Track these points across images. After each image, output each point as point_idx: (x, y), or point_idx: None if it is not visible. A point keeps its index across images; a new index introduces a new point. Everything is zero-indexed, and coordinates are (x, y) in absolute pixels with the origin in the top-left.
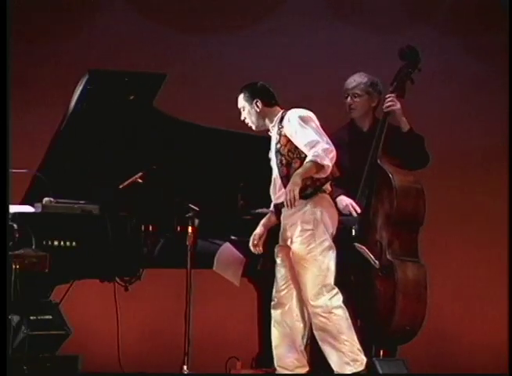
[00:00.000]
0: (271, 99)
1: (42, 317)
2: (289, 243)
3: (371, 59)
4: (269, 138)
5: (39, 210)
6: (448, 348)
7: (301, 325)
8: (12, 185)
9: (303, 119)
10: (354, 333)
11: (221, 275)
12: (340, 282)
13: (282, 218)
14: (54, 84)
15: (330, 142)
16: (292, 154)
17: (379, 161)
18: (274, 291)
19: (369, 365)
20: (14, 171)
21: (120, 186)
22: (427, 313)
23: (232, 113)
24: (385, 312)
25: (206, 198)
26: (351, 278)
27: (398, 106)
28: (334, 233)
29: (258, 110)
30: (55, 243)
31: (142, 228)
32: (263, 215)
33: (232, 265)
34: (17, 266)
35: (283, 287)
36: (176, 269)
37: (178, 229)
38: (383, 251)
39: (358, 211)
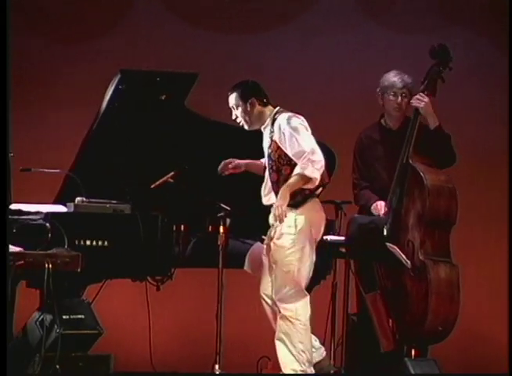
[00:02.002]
0: (264, 98)
1: (75, 316)
2: (271, 242)
3: (402, 59)
4: None
5: (71, 209)
6: (479, 348)
7: None
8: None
9: (292, 127)
10: (311, 344)
11: (253, 274)
12: (372, 282)
13: (270, 218)
14: (86, 84)
15: (319, 151)
16: (282, 160)
17: (410, 161)
18: (262, 289)
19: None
20: (47, 171)
21: (152, 186)
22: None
23: None
24: (418, 312)
25: (237, 198)
26: (382, 278)
27: (423, 104)
28: (319, 238)
29: (253, 110)
30: (88, 242)
31: (174, 228)
32: None
33: (263, 265)
34: (50, 266)
35: (269, 285)
36: (208, 268)
37: (210, 228)
38: (415, 251)
39: (382, 212)
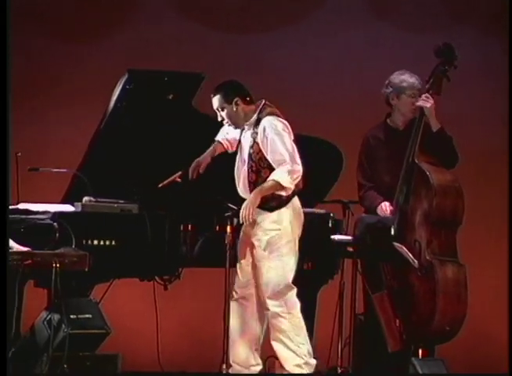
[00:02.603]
0: (248, 96)
1: (82, 316)
2: (254, 240)
3: (406, 58)
4: (307, 136)
5: (79, 209)
6: (485, 348)
7: (259, 325)
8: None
9: (276, 132)
10: (307, 335)
11: None
12: (379, 282)
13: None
14: (87, 84)
15: (299, 161)
16: (263, 163)
17: (416, 160)
18: (235, 286)
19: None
20: (54, 170)
21: (160, 185)
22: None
23: None
24: (425, 312)
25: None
26: (389, 278)
27: (428, 105)
28: (300, 234)
29: (238, 109)
30: (95, 242)
31: (181, 227)
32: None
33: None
34: (58, 265)
35: (245, 284)
36: (215, 268)
37: (217, 228)
38: (422, 251)
39: (388, 213)
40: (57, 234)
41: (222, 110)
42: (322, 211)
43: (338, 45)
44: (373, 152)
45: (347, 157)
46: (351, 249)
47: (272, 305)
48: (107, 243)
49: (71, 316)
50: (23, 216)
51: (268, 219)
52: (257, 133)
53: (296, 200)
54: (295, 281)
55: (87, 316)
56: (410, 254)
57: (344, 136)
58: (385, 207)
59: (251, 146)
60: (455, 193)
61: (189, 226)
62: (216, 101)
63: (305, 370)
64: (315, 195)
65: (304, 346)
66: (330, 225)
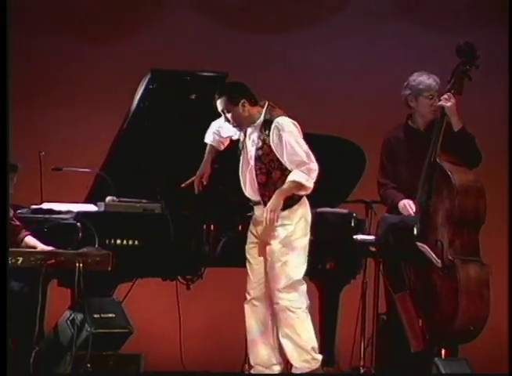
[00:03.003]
0: (253, 98)
1: (105, 315)
2: (266, 236)
3: (431, 58)
4: (330, 136)
5: (102, 209)
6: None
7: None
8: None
9: (290, 134)
10: (313, 332)
11: None
12: (401, 282)
13: (258, 213)
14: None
15: (314, 159)
16: (274, 164)
17: (438, 160)
18: (248, 288)
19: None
20: (79, 170)
21: (182, 185)
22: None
23: (290, 112)
24: (448, 312)
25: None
26: (411, 278)
27: (449, 104)
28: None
29: (245, 111)
30: (118, 241)
31: (204, 227)
32: (324, 213)
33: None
34: (81, 265)
35: (256, 285)
36: (238, 268)
37: (240, 228)
38: (444, 251)
39: (411, 211)
40: (80, 234)
41: (228, 112)
42: (344, 210)
43: (353, 46)
44: (395, 153)
45: (370, 157)
46: (373, 249)
47: (282, 299)
48: (130, 242)
49: (94, 316)
50: (47, 216)
51: (280, 215)
52: (267, 135)
53: (305, 199)
54: (318, 281)
55: (110, 315)
56: (433, 254)
57: (367, 136)
58: (409, 206)
59: (260, 148)
60: (477, 193)
61: (212, 226)
62: (222, 103)
63: (313, 365)
64: (338, 195)
65: (311, 342)
66: (353, 224)
